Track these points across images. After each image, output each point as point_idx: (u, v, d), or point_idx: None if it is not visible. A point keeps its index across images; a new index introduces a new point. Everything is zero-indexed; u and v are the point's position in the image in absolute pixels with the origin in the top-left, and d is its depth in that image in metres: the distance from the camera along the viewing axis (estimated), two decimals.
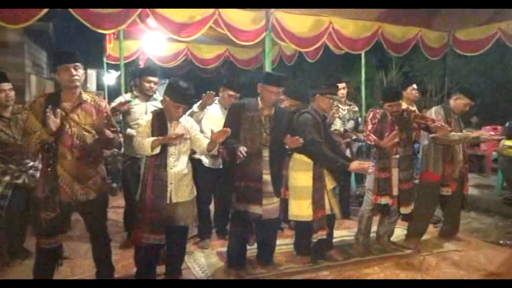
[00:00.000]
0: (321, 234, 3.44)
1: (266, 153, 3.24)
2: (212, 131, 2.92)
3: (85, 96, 2.77)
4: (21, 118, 3.32)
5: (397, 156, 3.71)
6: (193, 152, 3.15)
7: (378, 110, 3.76)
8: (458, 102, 3.92)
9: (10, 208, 3.31)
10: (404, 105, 4.70)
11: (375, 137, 3.62)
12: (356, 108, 4.73)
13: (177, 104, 2.86)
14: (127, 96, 3.90)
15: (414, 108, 4.83)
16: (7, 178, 3.23)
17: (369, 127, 3.68)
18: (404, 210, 3.79)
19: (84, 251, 3.63)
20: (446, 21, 5.30)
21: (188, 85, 2.89)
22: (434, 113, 3.98)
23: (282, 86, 3.26)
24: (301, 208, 3.44)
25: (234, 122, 3.20)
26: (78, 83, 2.69)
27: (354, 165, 3.34)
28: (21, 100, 6.89)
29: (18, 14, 3.47)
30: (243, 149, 2.99)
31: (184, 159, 2.94)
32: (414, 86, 4.84)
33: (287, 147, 3.27)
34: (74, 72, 2.64)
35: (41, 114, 2.61)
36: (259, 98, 3.28)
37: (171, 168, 2.87)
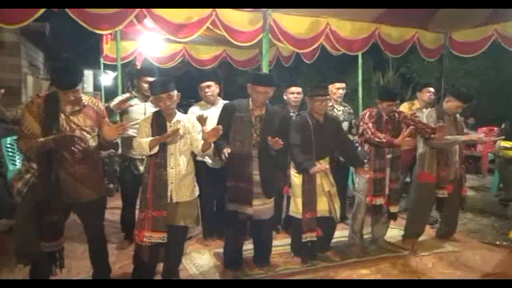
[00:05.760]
0: (310, 236, 3.45)
1: (255, 154, 3.26)
2: (203, 131, 2.91)
3: (84, 99, 2.76)
4: None
5: (389, 156, 3.72)
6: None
7: (373, 110, 3.77)
8: (450, 104, 3.96)
9: (23, 207, 3.26)
10: (417, 106, 4.84)
11: (384, 134, 3.59)
12: (351, 110, 4.72)
13: (157, 97, 2.84)
14: (126, 96, 3.88)
15: (428, 110, 4.83)
16: (28, 176, 3.21)
17: (370, 125, 3.65)
18: (393, 209, 3.81)
19: (81, 252, 3.62)
20: (442, 22, 5.32)
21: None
22: (425, 116, 4.03)
23: (270, 85, 3.27)
24: (295, 205, 3.51)
25: (225, 123, 3.22)
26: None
27: (315, 168, 3.30)
28: (18, 101, 6.88)
29: (15, 14, 3.45)
30: (226, 151, 3.02)
31: (185, 158, 2.93)
32: (430, 88, 4.93)
33: (272, 148, 3.28)
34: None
35: (39, 116, 2.60)
36: (250, 99, 3.31)
37: (171, 168, 2.86)
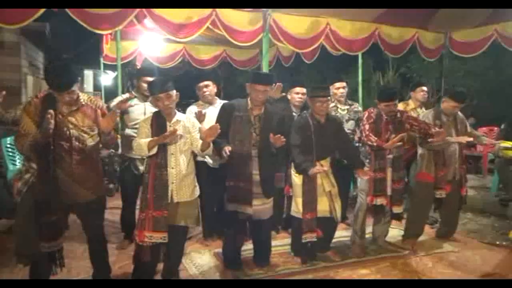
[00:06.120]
0: (310, 236, 3.45)
1: (255, 153, 3.26)
2: (200, 130, 2.91)
3: (82, 98, 2.75)
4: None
5: (391, 156, 3.72)
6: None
7: (373, 110, 3.77)
8: (445, 104, 3.99)
9: (23, 207, 3.26)
10: (412, 105, 4.79)
11: (376, 138, 3.61)
12: (359, 108, 4.67)
13: (156, 96, 2.85)
14: (125, 96, 3.89)
15: (421, 110, 4.83)
16: (28, 175, 3.21)
17: (367, 127, 3.68)
18: (396, 209, 3.81)
19: (81, 252, 3.62)
20: (442, 22, 5.32)
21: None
22: (421, 117, 4.04)
23: (269, 84, 3.27)
24: (296, 205, 3.52)
25: (224, 122, 3.23)
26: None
27: (314, 169, 3.30)
28: (18, 101, 6.88)
29: (15, 14, 3.45)
30: (227, 149, 3.03)
31: (185, 158, 2.93)
32: (423, 87, 4.92)
33: (273, 146, 3.28)
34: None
35: (36, 116, 2.59)
36: (249, 99, 3.31)
37: (172, 168, 2.86)
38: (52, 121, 2.50)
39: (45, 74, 2.58)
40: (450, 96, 3.97)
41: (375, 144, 3.60)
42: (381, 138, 3.64)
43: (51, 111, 2.49)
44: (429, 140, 3.72)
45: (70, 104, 2.65)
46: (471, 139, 3.89)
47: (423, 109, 4.88)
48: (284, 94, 4.15)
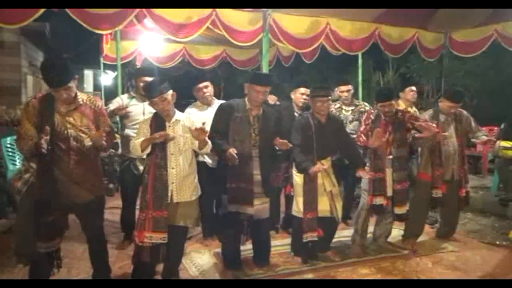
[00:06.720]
0: (311, 236, 3.46)
1: (255, 154, 3.26)
2: (190, 130, 2.90)
3: (81, 97, 2.75)
4: None
5: (391, 156, 3.72)
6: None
7: (372, 111, 3.80)
8: (442, 104, 4.01)
9: (23, 207, 3.27)
10: (402, 106, 4.78)
11: (364, 138, 3.66)
12: (366, 108, 4.63)
13: (151, 100, 2.85)
14: (124, 98, 3.90)
15: (413, 109, 4.85)
16: (27, 175, 3.22)
17: (362, 128, 3.75)
18: (399, 210, 3.80)
19: (81, 252, 3.62)
20: (442, 22, 5.32)
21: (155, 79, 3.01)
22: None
23: (269, 85, 3.27)
24: (297, 204, 3.52)
25: (223, 123, 3.22)
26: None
27: (314, 168, 3.31)
28: (18, 101, 6.89)
29: (15, 14, 3.45)
30: (233, 151, 3.01)
31: (186, 158, 2.92)
32: (413, 87, 4.91)
33: (277, 148, 3.28)
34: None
35: (34, 117, 2.59)
36: (246, 99, 3.31)
37: (172, 168, 2.86)
38: (47, 137, 2.49)
39: (42, 70, 2.57)
40: (447, 96, 3.99)
41: (362, 144, 3.67)
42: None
43: (47, 128, 2.50)
44: (417, 135, 3.73)
45: (67, 102, 2.64)
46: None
47: (414, 108, 4.89)
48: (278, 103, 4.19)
